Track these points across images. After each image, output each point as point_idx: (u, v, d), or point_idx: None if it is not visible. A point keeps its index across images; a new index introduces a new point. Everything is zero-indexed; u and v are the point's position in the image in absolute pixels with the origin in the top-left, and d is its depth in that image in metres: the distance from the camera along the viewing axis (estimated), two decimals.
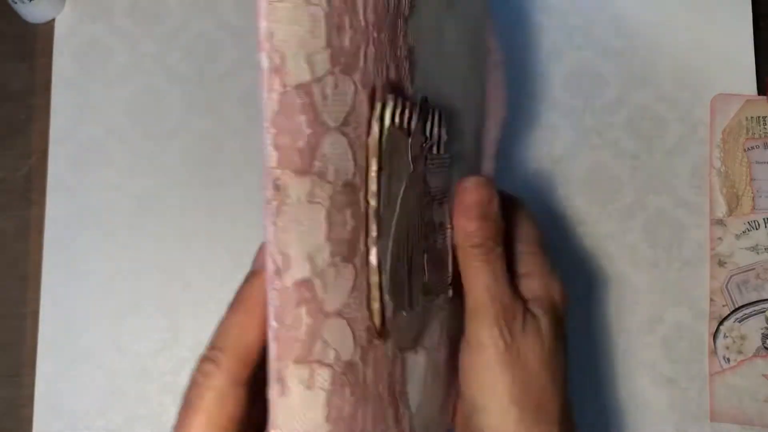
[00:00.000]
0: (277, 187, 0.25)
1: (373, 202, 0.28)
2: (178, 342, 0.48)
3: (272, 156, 0.25)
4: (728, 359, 0.46)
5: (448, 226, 0.33)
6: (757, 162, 0.48)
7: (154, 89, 0.52)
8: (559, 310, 0.33)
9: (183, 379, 0.48)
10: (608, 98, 0.51)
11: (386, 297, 0.29)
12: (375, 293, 0.28)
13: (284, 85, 0.25)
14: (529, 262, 0.34)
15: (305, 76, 0.25)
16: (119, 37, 0.53)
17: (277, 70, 0.24)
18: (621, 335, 0.46)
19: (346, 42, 0.26)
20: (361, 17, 0.27)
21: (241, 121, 0.51)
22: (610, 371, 0.46)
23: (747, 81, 0.50)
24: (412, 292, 0.30)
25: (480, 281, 0.31)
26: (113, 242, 0.50)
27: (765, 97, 0.49)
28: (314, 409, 0.27)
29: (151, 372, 0.48)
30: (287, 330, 0.26)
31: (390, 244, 0.29)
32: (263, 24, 0.24)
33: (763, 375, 0.45)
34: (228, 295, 0.50)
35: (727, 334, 0.46)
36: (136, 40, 0.53)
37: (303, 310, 0.26)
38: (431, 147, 0.31)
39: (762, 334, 0.46)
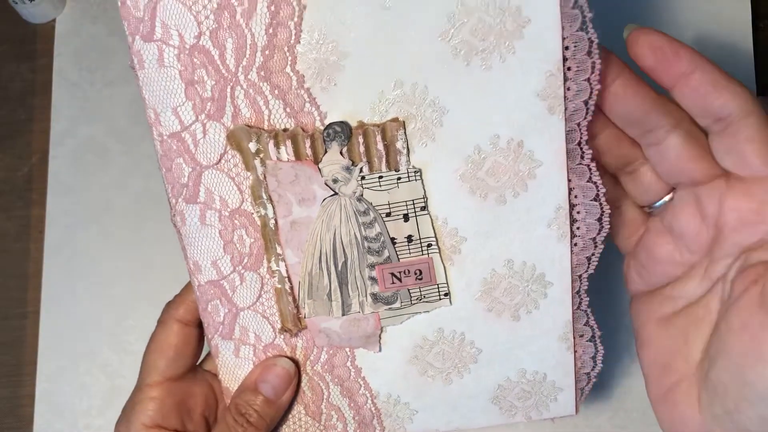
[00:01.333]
0: (176, 212, 0.33)
1: (271, 226, 0.33)
2: None
3: (168, 188, 0.33)
4: None
5: (426, 237, 0.34)
6: None
7: None
8: None
9: None
10: None
11: (305, 305, 0.35)
12: (286, 298, 0.35)
13: (161, 135, 0.31)
14: None
15: (175, 127, 0.31)
16: (119, 38, 0.53)
17: (153, 123, 0.31)
18: (620, 334, 0.47)
19: (208, 92, 0.31)
20: (220, 65, 0.30)
21: None
22: (609, 371, 0.46)
23: (746, 81, 0.51)
24: (347, 302, 0.34)
25: None
26: (114, 242, 0.50)
27: (764, 97, 0.49)
28: (245, 372, 0.36)
29: None
30: (209, 315, 0.35)
31: (305, 261, 0.34)
32: (139, 87, 0.31)
33: None
34: None
35: None
36: None
37: (217, 302, 0.35)
38: (362, 167, 0.32)
39: None
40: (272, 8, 0.29)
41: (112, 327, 0.49)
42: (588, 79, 0.30)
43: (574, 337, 0.35)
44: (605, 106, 0.31)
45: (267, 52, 0.30)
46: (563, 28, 0.29)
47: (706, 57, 0.30)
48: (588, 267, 0.34)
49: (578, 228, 0.33)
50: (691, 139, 0.30)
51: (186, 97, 0.31)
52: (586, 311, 0.35)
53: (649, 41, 0.30)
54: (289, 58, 0.30)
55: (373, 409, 0.37)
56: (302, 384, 0.36)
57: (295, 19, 0.29)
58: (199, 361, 0.39)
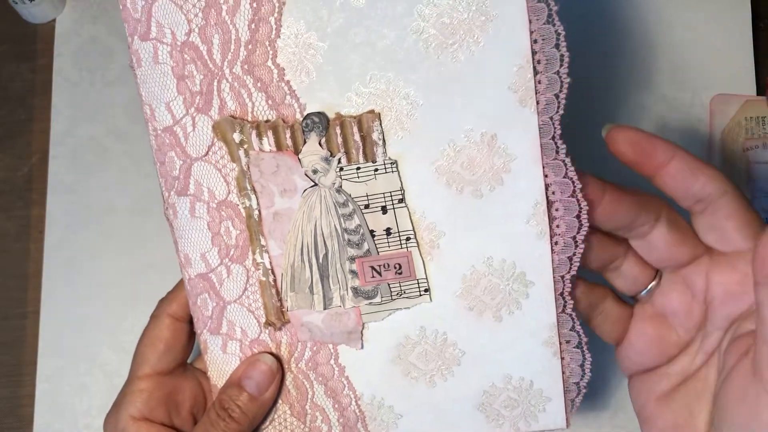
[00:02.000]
0: (168, 205, 0.35)
1: (255, 217, 0.34)
2: None
3: (161, 181, 0.34)
4: None
5: (404, 231, 0.34)
6: (757, 162, 0.48)
7: None
8: None
9: None
10: (608, 98, 0.51)
11: (288, 297, 0.35)
12: (270, 291, 0.35)
13: (155, 129, 0.34)
14: None
15: (168, 121, 0.33)
16: (119, 38, 0.53)
17: (149, 119, 0.34)
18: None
19: (197, 86, 0.33)
20: (208, 60, 0.32)
21: None
22: (609, 371, 0.46)
23: (746, 81, 0.51)
24: (329, 295, 0.35)
25: None
26: (114, 242, 0.50)
27: (764, 97, 0.49)
28: (232, 368, 0.36)
29: None
30: (198, 309, 0.36)
31: (287, 253, 0.35)
32: (137, 84, 0.34)
33: None
34: None
35: None
36: None
37: (206, 296, 0.36)
38: (340, 158, 0.33)
39: None
40: (254, 5, 0.31)
41: (112, 327, 0.49)
42: (557, 72, 0.31)
43: (560, 343, 0.35)
44: (598, 222, 0.32)
45: (250, 47, 0.32)
46: (530, 22, 0.30)
47: (679, 145, 0.32)
48: (570, 268, 0.33)
49: (558, 226, 0.33)
50: (674, 226, 0.32)
51: (177, 91, 0.33)
52: (571, 315, 0.34)
53: (627, 138, 0.32)
54: (270, 52, 0.32)
55: (357, 411, 0.36)
56: (287, 382, 0.36)
57: (275, 15, 0.31)
58: (190, 360, 0.39)
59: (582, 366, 0.35)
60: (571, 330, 0.34)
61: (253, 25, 0.31)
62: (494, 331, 0.35)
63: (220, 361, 0.36)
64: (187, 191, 0.34)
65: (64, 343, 0.49)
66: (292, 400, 0.37)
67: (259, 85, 0.32)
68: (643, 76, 0.51)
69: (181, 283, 0.38)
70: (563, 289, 0.34)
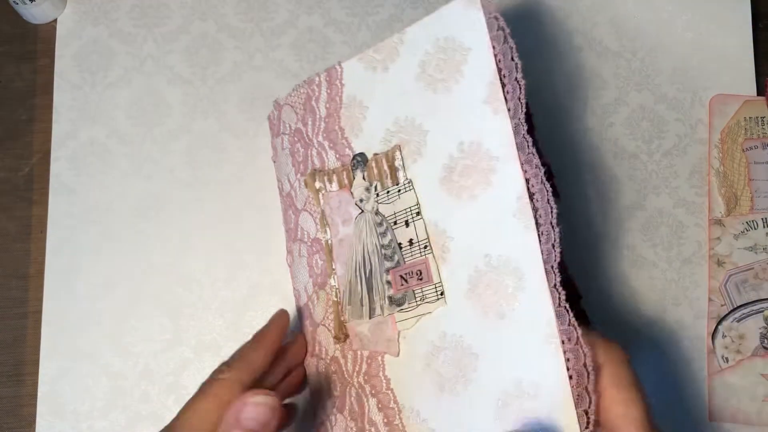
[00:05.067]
0: (289, 251, 0.46)
1: (330, 245, 0.42)
2: (179, 342, 0.49)
3: (286, 234, 0.46)
4: (727, 359, 0.46)
5: (422, 240, 0.38)
6: (756, 162, 0.48)
7: (155, 90, 0.52)
8: None
9: (185, 380, 0.48)
10: (608, 99, 0.51)
11: (346, 310, 0.41)
12: (337, 308, 0.41)
13: (281, 195, 0.47)
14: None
15: (287, 188, 0.46)
16: (120, 39, 0.53)
17: (280, 190, 0.47)
18: (621, 336, 0.47)
19: (300, 157, 0.44)
20: (305, 136, 0.44)
21: (242, 122, 0.52)
22: None
23: (746, 81, 0.51)
24: (372, 306, 0.39)
25: None
26: (115, 242, 0.50)
27: (764, 97, 0.49)
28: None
29: (153, 372, 0.48)
30: (306, 333, 0.44)
31: (347, 272, 0.41)
32: (276, 169, 0.48)
33: (762, 374, 0.46)
34: (229, 294, 0.50)
35: (725, 334, 0.46)
36: (137, 42, 0.53)
37: (308, 322, 0.44)
38: (376, 185, 0.40)
39: (760, 333, 0.46)
40: (329, 91, 0.43)
41: (113, 328, 0.49)
42: (516, 78, 0.36)
43: (562, 342, 0.34)
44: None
45: (327, 120, 0.43)
46: (493, 47, 0.36)
47: None
48: (555, 255, 0.34)
49: (540, 216, 0.35)
50: None
51: (292, 165, 0.45)
52: (566, 308, 0.34)
53: None
54: (337, 121, 0.42)
55: (401, 425, 0.37)
56: (352, 397, 0.39)
57: (340, 94, 0.42)
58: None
59: (585, 365, 0.35)
60: (568, 325, 0.35)
61: (327, 104, 0.43)
62: (498, 329, 0.35)
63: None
64: (296, 236, 0.45)
65: (65, 344, 0.49)
66: (356, 416, 0.38)
67: (330, 145, 0.42)
68: (642, 76, 0.52)
69: (241, 349, 0.40)
70: (555, 281, 0.34)
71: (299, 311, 0.44)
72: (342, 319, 0.41)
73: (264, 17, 0.53)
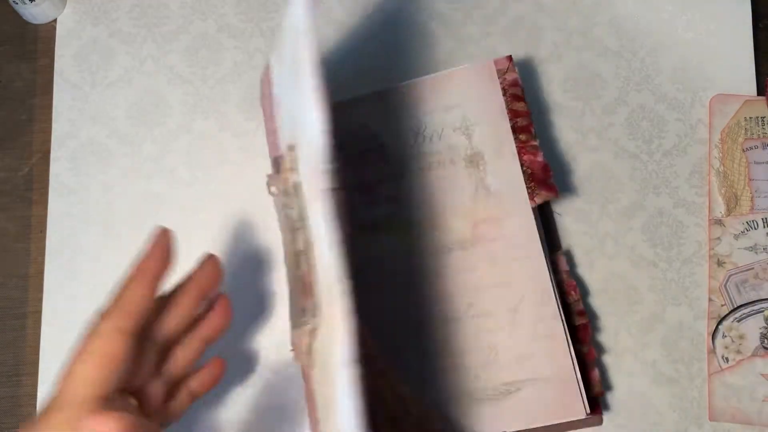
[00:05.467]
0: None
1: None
2: None
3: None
4: (727, 359, 0.46)
5: (311, 251, 0.38)
6: (756, 162, 0.48)
7: (155, 90, 0.52)
8: None
9: None
10: (608, 98, 0.51)
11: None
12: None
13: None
14: None
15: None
16: (120, 39, 0.53)
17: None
18: (620, 335, 0.47)
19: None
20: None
21: (242, 122, 0.52)
22: (610, 371, 0.46)
23: (746, 81, 0.51)
24: (293, 314, 0.39)
25: None
26: (115, 242, 0.50)
27: (764, 97, 0.49)
28: None
29: None
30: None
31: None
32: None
33: (762, 374, 0.46)
34: (229, 294, 0.50)
35: (726, 334, 0.46)
36: (137, 42, 0.53)
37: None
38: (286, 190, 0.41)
39: (761, 333, 0.46)
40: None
41: None
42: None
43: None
44: None
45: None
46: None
47: None
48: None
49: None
50: None
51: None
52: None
53: None
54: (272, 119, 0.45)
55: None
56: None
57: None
58: None
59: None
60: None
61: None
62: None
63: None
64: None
65: (65, 344, 0.48)
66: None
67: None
68: (642, 76, 0.51)
69: (117, 290, 0.36)
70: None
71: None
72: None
73: (264, 17, 0.53)
